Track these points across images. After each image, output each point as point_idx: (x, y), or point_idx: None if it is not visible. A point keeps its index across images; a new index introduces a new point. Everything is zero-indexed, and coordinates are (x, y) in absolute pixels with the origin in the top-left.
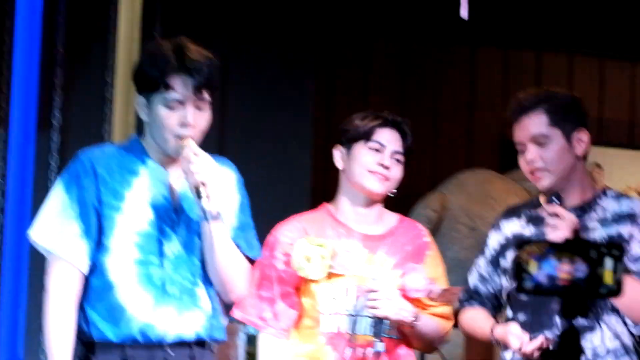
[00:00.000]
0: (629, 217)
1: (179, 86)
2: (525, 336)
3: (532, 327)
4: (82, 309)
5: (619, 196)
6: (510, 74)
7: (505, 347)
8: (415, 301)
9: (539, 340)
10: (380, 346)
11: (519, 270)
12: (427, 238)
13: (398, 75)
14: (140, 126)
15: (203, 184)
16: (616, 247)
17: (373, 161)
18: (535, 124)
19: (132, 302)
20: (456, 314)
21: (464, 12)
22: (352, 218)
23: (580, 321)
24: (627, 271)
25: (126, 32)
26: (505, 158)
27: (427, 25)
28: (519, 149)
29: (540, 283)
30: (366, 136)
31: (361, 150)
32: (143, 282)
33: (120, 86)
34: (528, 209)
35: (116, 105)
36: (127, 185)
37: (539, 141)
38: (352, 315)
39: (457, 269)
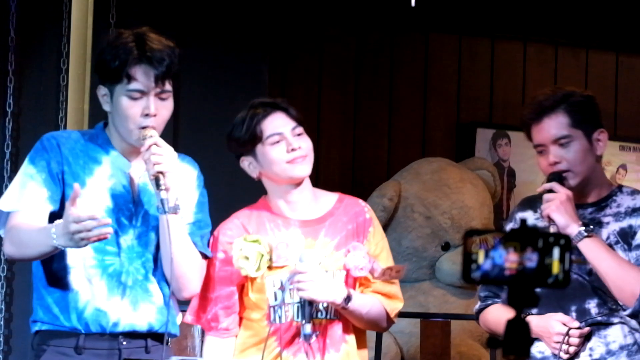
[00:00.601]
0: None
1: (141, 77)
2: (573, 322)
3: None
4: (37, 293)
5: (634, 192)
6: (465, 61)
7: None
8: (361, 280)
9: (584, 330)
10: (308, 328)
11: (466, 260)
12: (369, 214)
13: (352, 64)
14: (94, 113)
15: (162, 174)
16: (564, 237)
17: (282, 152)
18: (556, 125)
19: (86, 289)
20: (477, 313)
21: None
22: (287, 207)
23: (596, 317)
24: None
25: (79, 19)
26: (460, 146)
27: (380, 12)
28: (538, 150)
29: (487, 272)
30: (260, 136)
31: (265, 150)
32: (98, 268)
33: (74, 73)
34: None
35: (70, 92)
36: (89, 172)
37: (561, 142)
38: (298, 303)
39: (412, 257)
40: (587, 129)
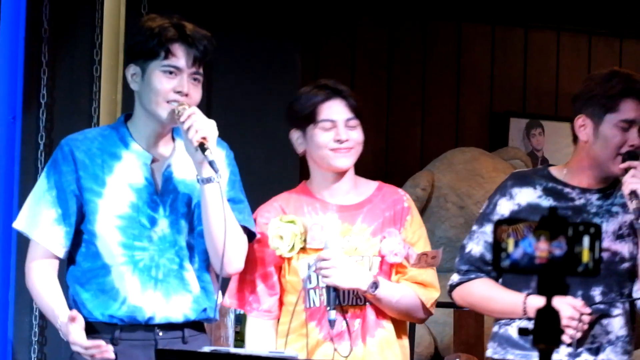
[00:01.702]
0: None
1: (180, 54)
2: (586, 308)
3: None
4: (73, 290)
5: None
6: (498, 51)
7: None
8: (397, 268)
9: (593, 317)
10: (332, 314)
11: (496, 249)
12: (408, 203)
13: (385, 53)
14: (126, 104)
15: (205, 139)
16: (593, 225)
17: (330, 139)
18: None
19: (120, 286)
20: (455, 286)
21: None
22: (327, 192)
23: (599, 306)
24: (604, 250)
25: (112, 9)
26: (493, 136)
27: (413, 0)
28: (622, 126)
29: (517, 261)
30: (313, 117)
31: (315, 132)
32: (129, 265)
33: (107, 63)
34: (542, 179)
35: (103, 83)
36: (109, 171)
37: None
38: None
39: (446, 247)
40: None
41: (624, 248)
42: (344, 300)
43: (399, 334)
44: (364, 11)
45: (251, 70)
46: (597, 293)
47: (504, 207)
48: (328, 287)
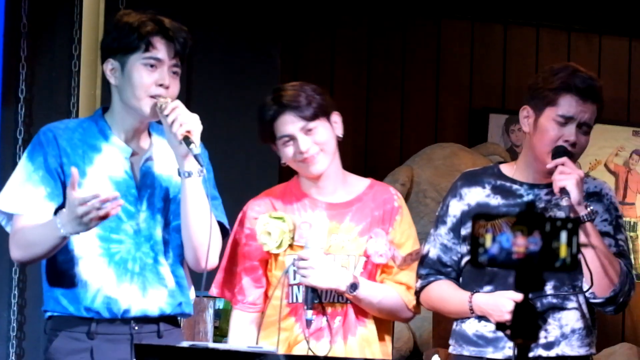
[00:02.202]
0: (595, 195)
1: (162, 46)
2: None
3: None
4: (46, 284)
5: (585, 177)
6: (477, 47)
7: (481, 317)
8: (383, 268)
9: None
10: (309, 314)
11: (474, 244)
12: (398, 202)
13: (364, 48)
14: (105, 99)
15: (189, 133)
16: (571, 221)
17: (293, 152)
18: (591, 112)
19: (96, 277)
20: (419, 292)
21: None
22: (314, 189)
23: (552, 300)
24: (583, 245)
25: (91, 5)
26: (473, 132)
27: None
28: (558, 121)
29: (494, 256)
30: (273, 135)
31: (279, 147)
32: (105, 257)
33: (86, 59)
34: (491, 178)
35: (82, 78)
36: (89, 161)
37: (585, 130)
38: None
39: (424, 242)
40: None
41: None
42: (326, 298)
43: (381, 333)
44: (343, 10)
45: (230, 69)
46: (548, 287)
47: (455, 208)
48: (306, 287)
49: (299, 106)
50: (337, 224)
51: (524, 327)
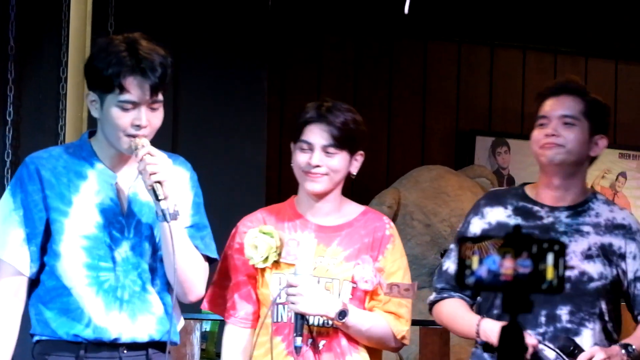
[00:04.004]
0: (622, 228)
1: (134, 89)
2: (530, 338)
3: None
4: (35, 308)
5: (609, 202)
6: (464, 69)
7: (487, 345)
8: (372, 294)
9: (533, 341)
10: (298, 341)
11: (460, 266)
12: (390, 231)
13: (351, 71)
14: (93, 121)
15: (160, 184)
16: (558, 243)
17: (305, 161)
18: (571, 104)
19: (86, 305)
20: (432, 305)
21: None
22: (309, 210)
23: (566, 325)
24: (568, 268)
25: (78, 28)
26: (459, 154)
27: (379, 19)
28: (540, 122)
29: (481, 278)
30: (297, 135)
31: (295, 150)
32: (93, 286)
33: (73, 81)
34: (514, 199)
35: (69, 101)
36: (75, 190)
37: (566, 121)
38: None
39: (412, 265)
40: (594, 126)
41: (592, 268)
42: (314, 321)
43: (373, 358)
44: (330, 31)
45: (218, 92)
46: (564, 312)
47: (476, 226)
48: (295, 314)
49: (333, 125)
50: (324, 247)
51: (510, 349)
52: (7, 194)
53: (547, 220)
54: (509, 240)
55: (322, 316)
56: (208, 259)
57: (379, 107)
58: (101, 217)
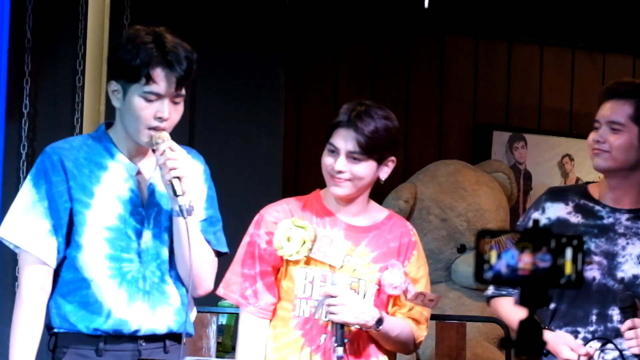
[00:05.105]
0: None
1: (161, 80)
2: (581, 348)
3: (564, 319)
4: (54, 301)
5: None
6: (481, 64)
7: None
8: (396, 300)
9: (586, 350)
10: (340, 351)
11: (478, 261)
12: (415, 237)
13: (368, 66)
14: (109, 114)
15: (179, 179)
16: (576, 237)
17: (330, 164)
18: (618, 110)
19: (107, 297)
20: (490, 298)
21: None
22: (337, 208)
23: (617, 325)
24: (589, 263)
25: (95, 20)
26: (476, 149)
27: (396, 14)
28: (594, 126)
29: (499, 273)
30: (329, 136)
31: (325, 150)
32: (115, 277)
33: (90, 74)
34: (576, 196)
35: (86, 94)
36: (96, 181)
37: (613, 127)
38: (323, 299)
39: (428, 259)
40: None
41: None
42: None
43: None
44: (348, 26)
45: (235, 88)
46: (615, 312)
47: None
48: (336, 324)
49: (362, 132)
50: (353, 246)
51: (529, 344)
52: (28, 185)
53: (607, 220)
54: (527, 234)
55: (362, 325)
56: (217, 253)
57: (396, 101)
58: (122, 208)
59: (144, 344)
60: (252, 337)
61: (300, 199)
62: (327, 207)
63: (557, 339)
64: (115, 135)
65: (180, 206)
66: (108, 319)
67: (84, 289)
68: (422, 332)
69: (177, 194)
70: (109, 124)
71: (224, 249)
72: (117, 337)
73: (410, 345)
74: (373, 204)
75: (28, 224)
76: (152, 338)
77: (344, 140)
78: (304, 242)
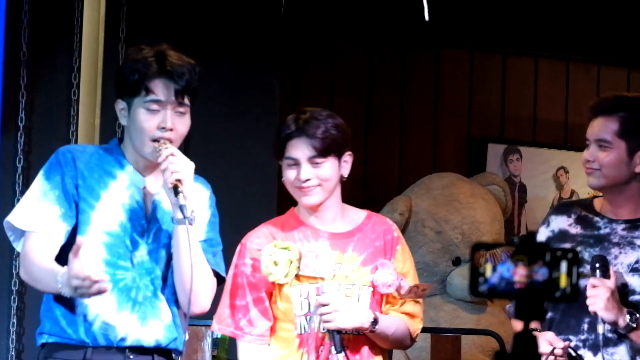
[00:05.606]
0: None
1: (160, 90)
2: (559, 342)
3: (558, 328)
4: (46, 305)
5: None
6: (476, 76)
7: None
8: (388, 298)
9: (564, 344)
10: (340, 358)
11: (473, 274)
12: (397, 233)
13: (363, 78)
14: (105, 127)
15: (180, 182)
16: (571, 251)
17: (294, 177)
18: (603, 128)
19: (96, 302)
20: (509, 315)
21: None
22: (315, 219)
23: (607, 334)
24: (583, 276)
25: (90, 33)
26: (471, 162)
27: (392, 27)
28: (586, 143)
29: (495, 286)
30: (281, 152)
31: (283, 167)
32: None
33: (85, 87)
34: (579, 208)
35: (81, 107)
36: (104, 186)
37: (601, 144)
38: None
39: (423, 272)
40: (632, 144)
41: (636, 282)
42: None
43: None
44: (343, 38)
45: (230, 99)
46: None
47: (541, 235)
48: (332, 332)
49: (314, 136)
50: (340, 253)
51: (524, 356)
52: (40, 178)
53: (604, 231)
54: (522, 247)
55: (358, 329)
56: (217, 276)
57: (391, 114)
58: (125, 217)
59: (131, 356)
60: None
61: (277, 220)
62: (306, 222)
63: (538, 335)
64: (125, 150)
65: (181, 206)
66: (95, 321)
67: None
68: (417, 325)
69: (178, 194)
70: (120, 140)
71: (222, 272)
72: (104, 347)
73: (406, 340)
74: (348, 207)
75: (39, 210)
76: (139, 350)
77: (300, 149)
78: (291, 263)
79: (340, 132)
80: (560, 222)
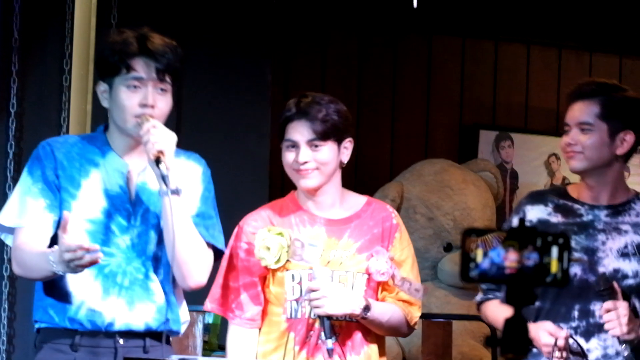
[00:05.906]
0: None
1: (141, 67)
2: (560, 332)
3: (548, 316)
4: (38, 294)
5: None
6: (468, 63)
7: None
8: (384, 285)
9: (565, 333)
10: (330, 343)
11: (464, 259)
12: (396, 220)
13: (355, 65)
14: (96, 114)
15: (162, 154)
16: (562, 236)
17: (292, 160)
18: (585, 111)
19: (81, 289)
20: (479, 304)
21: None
22: (313, 205)
23: (599, 320)
24: (575, 260)
25: (82, 20)
26: (463, 148)
27: (383, 13)
28: (564, 129)
29: (485, 271)
30: (282, 134)
31: (282, 149)
32: (91, 269)
33: (77, 73)
34: (555, 197)
35: (73, 93)
36: (85, 174)
37: (582, 128)
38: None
39: (415, 258)
40: (614, 126)
41: (628, 266)
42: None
43: (380, 351)
44: (335, 25)
45: (221, 86)
46: (597, 307)
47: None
48: (322, 317)
49: (315, 119)
50: (336, 240)
51: (514, 341)
52: (24, 175)
53: (587, 217)
54: (513, 232)
55: (348, 315)
56: (214, 249)
57: (383, 100)
58: (107, 203)
59: (121, 341)
60: (241, 348)
61: (276, 204)
62: (303, 207)
63: (536, 326)
64: (110, 136)
65: (163, 176)
66: (81, 308)
67: (63, 279)
68: (416, 313)
69: (160, 165)
70: (106, 127)
71: (220, 245)
72: (93, 332)
73: (403, 328)
74: (349, 192)
75: (23, 202)
76: (129, 335)
77: (299, 131)
78: (283, 249)
79: (341, 118)
80: (538, 212)
